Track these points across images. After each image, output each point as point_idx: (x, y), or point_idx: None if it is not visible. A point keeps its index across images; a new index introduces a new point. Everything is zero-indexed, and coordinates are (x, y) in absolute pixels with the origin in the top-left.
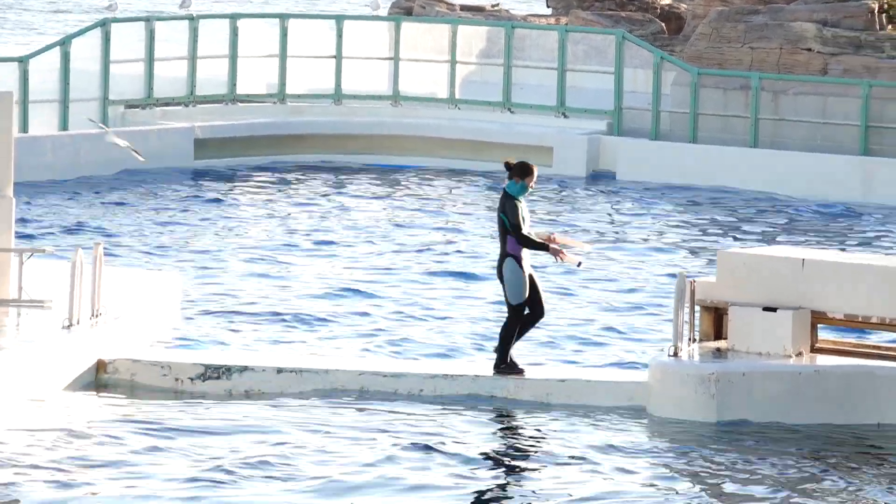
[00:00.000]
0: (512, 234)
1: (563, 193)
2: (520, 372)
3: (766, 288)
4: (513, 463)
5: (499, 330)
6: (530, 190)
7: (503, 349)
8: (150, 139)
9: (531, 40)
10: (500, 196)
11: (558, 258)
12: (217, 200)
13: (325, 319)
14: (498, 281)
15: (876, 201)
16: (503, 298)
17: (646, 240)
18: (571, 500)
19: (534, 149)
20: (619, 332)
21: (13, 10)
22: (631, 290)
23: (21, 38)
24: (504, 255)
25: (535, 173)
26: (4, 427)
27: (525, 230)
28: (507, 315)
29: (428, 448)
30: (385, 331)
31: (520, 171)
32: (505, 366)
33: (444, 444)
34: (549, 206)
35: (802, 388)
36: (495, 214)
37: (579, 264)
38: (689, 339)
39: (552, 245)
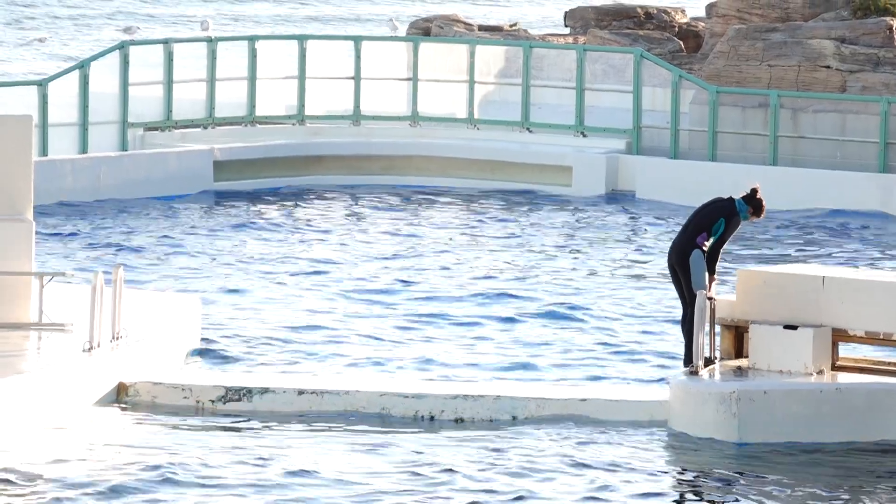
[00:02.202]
0: (712, 237)
1: (583, 213)
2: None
3: (786, 306)
4: (534, 483)
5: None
6: (747, 223)
7: (690, 345)
8: (169, 161)
9: (549, 60)
10: (721, 200)
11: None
12: (236, 223)
13: (343, 342)
14: (669, 271)
15: None
16: (676, 289)
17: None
18: None
19: (553, 168)
20: (639, 349)
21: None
22: (651, 308)
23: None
24: (691, 246)
25: (762, 218)
26: (26, 451)
27: (720, 253)
28: (687, 311)
29: (450, 470)
30: (407, 349)
31: (754, 204)
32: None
33: (463, 465)
34: (568, 226)
35: (824, 406)
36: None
37: (710, 299)
38: (710, 358)
39: (711, 285)
